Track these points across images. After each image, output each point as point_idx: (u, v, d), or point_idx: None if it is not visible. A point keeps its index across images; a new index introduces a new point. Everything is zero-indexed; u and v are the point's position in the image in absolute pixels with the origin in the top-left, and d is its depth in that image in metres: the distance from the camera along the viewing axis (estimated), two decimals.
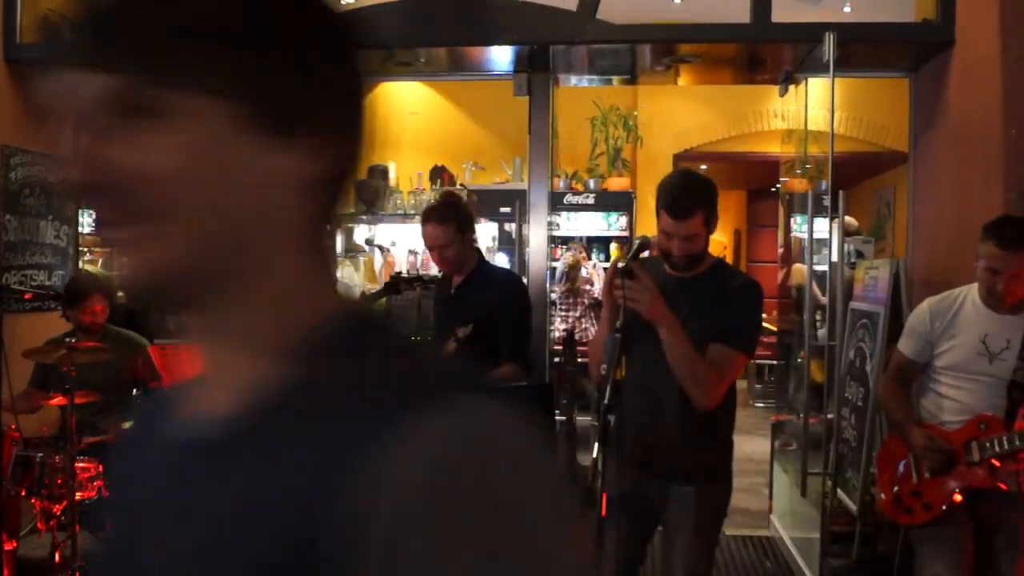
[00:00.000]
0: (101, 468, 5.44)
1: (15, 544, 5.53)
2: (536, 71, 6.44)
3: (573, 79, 7.07)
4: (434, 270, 8.98)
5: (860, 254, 6.69)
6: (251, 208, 0.92)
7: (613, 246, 11.77)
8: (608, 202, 11.74)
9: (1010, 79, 5.01)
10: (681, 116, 12.69)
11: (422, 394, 0.84)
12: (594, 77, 7.10)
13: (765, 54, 6.33)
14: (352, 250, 9.54)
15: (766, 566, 6.29)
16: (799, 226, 7.06)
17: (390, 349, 0.97)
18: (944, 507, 3.98)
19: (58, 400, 5.31)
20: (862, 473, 5.44)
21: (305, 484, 0.82)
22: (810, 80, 6.45)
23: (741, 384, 15.55)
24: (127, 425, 2.90)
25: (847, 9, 9.87)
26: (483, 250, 7.89)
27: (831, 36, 5.45)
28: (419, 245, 9.49)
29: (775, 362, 12.59)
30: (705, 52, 6.25)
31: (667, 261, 3.72)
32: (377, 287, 7.41)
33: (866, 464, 5.40)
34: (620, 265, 3.48)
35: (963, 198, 5.51)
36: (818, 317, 6.34)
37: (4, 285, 5.67)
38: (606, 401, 3.28)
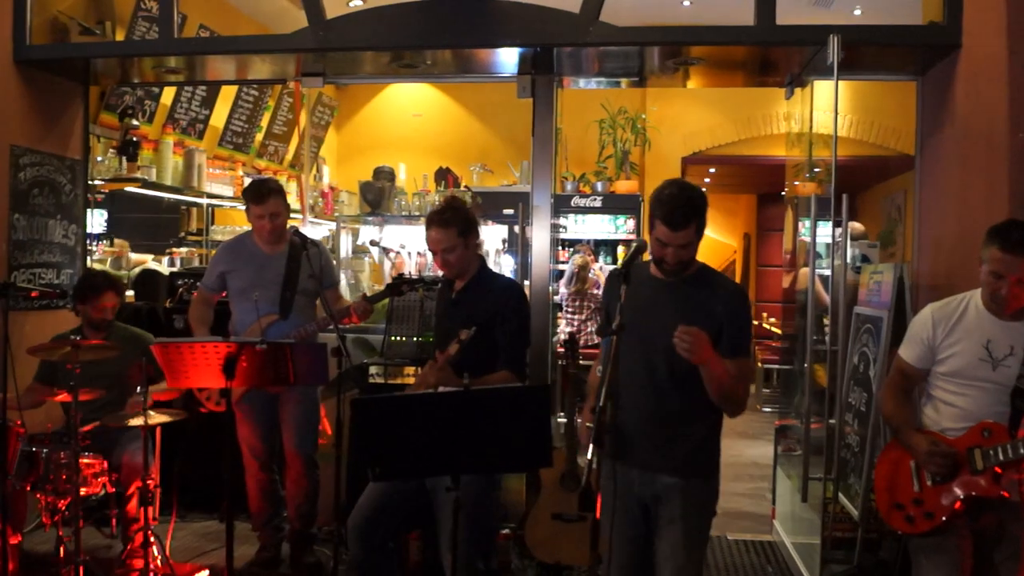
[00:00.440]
0: (106, 464, 5.48)
1: (20, 538, 5.59)
2: (540, 73, 6.45)
3: (580, 81, 7.07)
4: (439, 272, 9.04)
5: (866, 258, 6.67)
6: None
7: (620, 249, 11.80)
8: (616, 205, 11.76)
9: (1017, 83, 4.99)
10: (689, 119, 12.69)
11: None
12: (601, 79, 7.09)
13: (771, 57, 6.32)
14: (359, 251, 9.55)
15: (768, 571, 6.27)
16: (806, 230, 7.04)
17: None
18: (945, 517, 3.95)
19: (62, 397, 5.33)
20: (864, 479, 5.42)
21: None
22: (817, 83, 6.43)
23: (750, 389, 15.52)
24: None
25: (857, 12, 9.88)
26: (490, 253, 7.93)
27: (835, 39, 5.44)
28: (426, 247, 9.50)
29: (782, 366, 12.62)
30: (711, 55, 6.25)
31: (659, 267, 3.83)
32: (380, 288, 7.43)
33: (868, 470, 5.37)
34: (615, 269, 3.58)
35: (968, 202, 5.49)
36: (825, 322, 6.32)
37: (11, 283, 5.69)
38: (600, 403, 3.40)
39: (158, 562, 5.39)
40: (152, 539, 5.38)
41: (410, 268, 9.15)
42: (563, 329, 9.98)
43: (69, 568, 5.13)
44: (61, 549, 5.25)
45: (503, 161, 11.46)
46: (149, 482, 5.41)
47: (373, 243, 9.19)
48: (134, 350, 5.71)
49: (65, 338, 5.50)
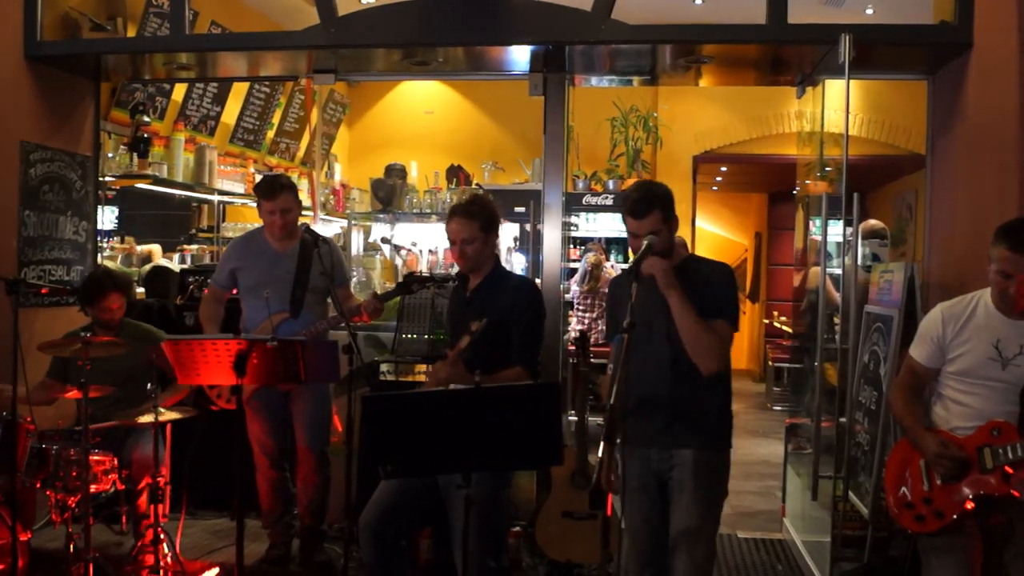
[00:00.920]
0: (116, 461, 5.49)
1: (30, 535, 5.59)
2: (551, 71, 6.45)
3: (592, 79, 7.06)
4: (452, 269, 9.03)
5: (876, 257, 6.66)
6: None
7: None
8: None
9: None
10: (701, 118, 12.67)
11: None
12: (613, 77, 7.08)
13: (782, 55, 6.31)
14: (370, 249, 9.56)
15: (778, 569, 6.27)
16: (816, 229, 7.03)
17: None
18: (955, 516, 3.95)
19: (73, 394, 5.35)
20: (874, 477, 5.41)
21: None
22: (828, 82, 6.43)
23: (759, 388, 15.54)
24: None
25: (869, 11, 9.86)
26: (501, 251, 7.94)
27: (847, 37, 5.43)
28: (438, 244, 9.52)
29: (793, 365, 12.60)
30: (723, 53, 6.24)
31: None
32: (391, 286, 7.43)
33: (879, 468, 5.36)
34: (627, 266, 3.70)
35: (979, 201, 5.48)
36: (835, 321, 6.32)
37: (21, 279, 5.70)
38: (611, 400, 3.52)
39: (168, 559, 5.40)
40: (162, 536, 5.40)
41: (422, 265, 9.16)
42: (574, 327, 9.98)
43: (79, 565, 5.13)
44: (71, 546, 5.26)
45: (515, 159, 11.46)
46: (160, 479, 5.42)
47: (385, 241, 9.20)
48: (145, 347, 5.73)
49: (76, 335, 5.52)
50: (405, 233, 9.62)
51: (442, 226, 9.01)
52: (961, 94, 5.74)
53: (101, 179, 7.50)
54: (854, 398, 5.89)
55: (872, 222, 6.92)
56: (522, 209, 8.37)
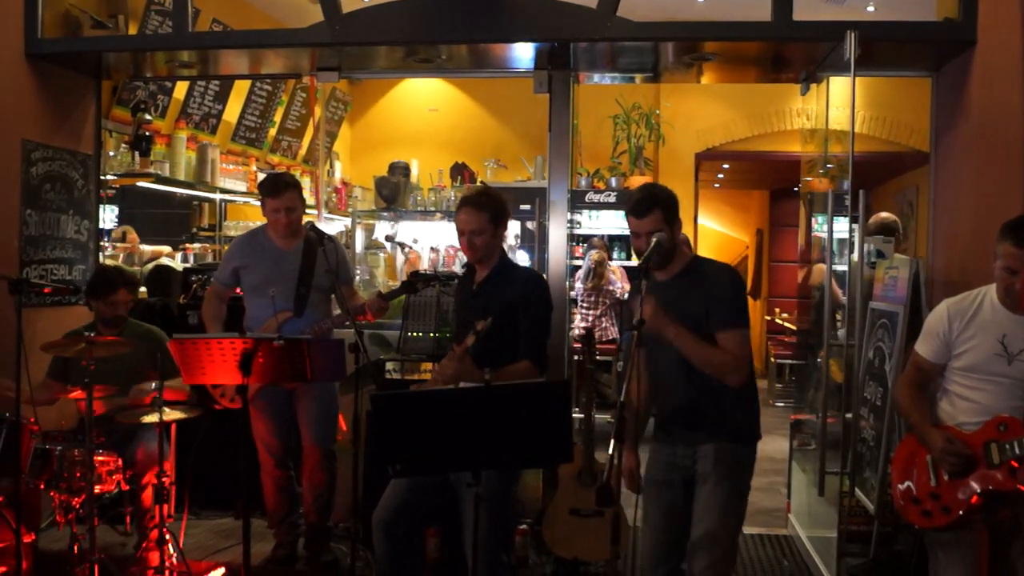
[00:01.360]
0: (120, 461, 5.47)
1: (34, 537, 5.57)
2: (556, 68, 6.43)
3: (595, 77, 7.06)
4: (454, 267, 9.02)
5: (880, 254, 6.65)
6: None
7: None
8: None
9: None
10: (703, 115, 12.65)
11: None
12: (616, 75, 7.09)
13: (786, 53, 6.30)
14: (373, 247, 9.55)
15: (783, 565, 6.27)
16: (819, 226, 7.02)
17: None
18: (962, 511, 3.94)
19: (77, 394, 5.33)
20: (880, 473, 5.41)
21: None
22: (831, 79, 6.42)
23: (761, 384, 15.51)
24: None
25: (871, 8, 9.84)
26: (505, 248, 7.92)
27: (853, 34, 5.43)
28: (440, 242, 9.50)
29: (795, 361, 12.59)
30: (727, 50, 6.23)
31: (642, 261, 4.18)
32: (396, 284, 7.41)
33: (884, 464, 5.37)
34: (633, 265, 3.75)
35: (983, 198, 5.48)
36: (838, 317, 6.31)
37: (24, 279, 5.68)
38: (622, 398, 3.56)
39: (173, 559, 5.38)
40: (167, 536, 5.37)
41: (423, 263, 9.16)
42: (578, 324, 9.97)
43: (84, 566, 5.10)
44: (75, 547, 5.23)
45: (517, 156, 11.44)
46: (164, 479, 5.40)
47: (389, 239, 9.19)
48: (148, 347, 5.72)
49: (79, 334, 5.50)
50: (408, 231, 9.61)
51: (445, 224, 9.02)
52: (965, 91, 5.74)
53: (102, 177, 7.47)
54: (859, 394, 5.88)
55: (883, 215, 6.92)
56: (528, 207, 8.35)
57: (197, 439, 5.69)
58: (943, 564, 4.07)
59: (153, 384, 5.45)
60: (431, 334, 6.29)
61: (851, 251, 5.93)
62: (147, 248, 8.61)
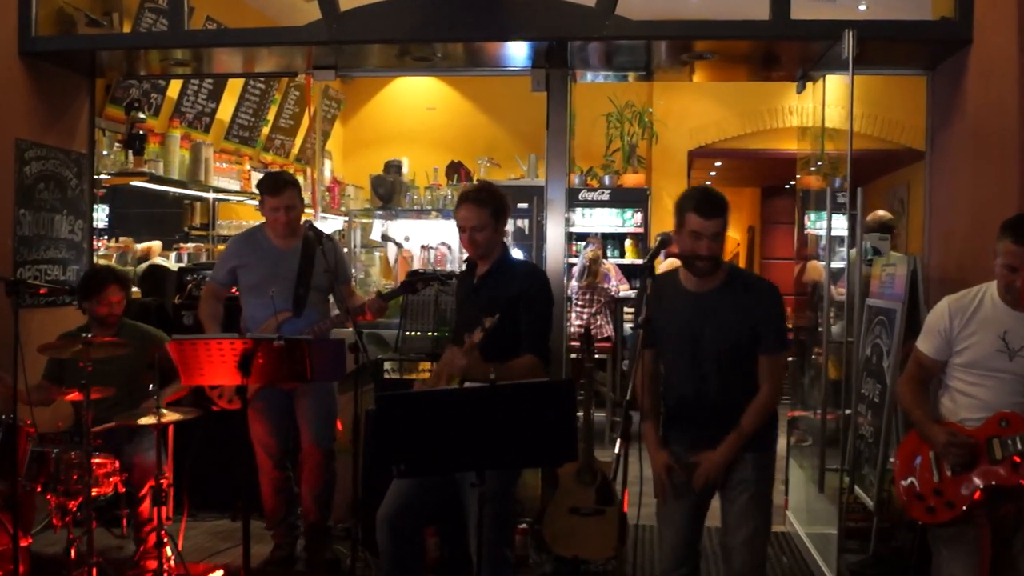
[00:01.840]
0: (117, 464, 5.44)
1: (30, 540, 5.51)
2: (554, 67, 6.43)
3: (590, 75, 7.05)
4: (449, 266, 9.02)
5: (877, 251, 6.67)
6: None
7: (628, 242, 11.79)
8: (623, 198, 11.76)
9: None
10: (696, 113, 12.68)
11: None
12: (610, 73, 7.09)
13: (782, 51, 6.31)
14: (368, 245, 9.54)
15: (783, 561, 6.27)
16: (813, 223, 7.04)
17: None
18: (965, 507, 3.96)
19: (73, 396, 5.29)
20: (879, 469, 5.43)
21: None
22: (827, 77, 6.43)
23: None
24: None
25: (862, 7, 9.85)
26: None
27: (851, 33, 5.44)
28: (433, 240, 9.50)
29: (790, 358, 12.58)
30: (722, 49, 6.24)
31: (690, 267, 4.15)
32: (391, 283, 7.40)
33: (883, 460, 5.39)
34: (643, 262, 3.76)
35: (979, 196, 5.51)
36: (833, 314, 6.33)
37: (21, 280, 5.65)
38: (628, 397, 3.46)
39: (172, 562, 5.35)
40: (165, 539, 5.35)
41: (416, 261, 9.16)
42: (573, 322, 9.96)
43: (81, 570, 5.06)
44: (72, 550, 5.17)
45: (510, 155, 11.45)
46: (162, 481, 5.37)
47: (385, 237, 9.19)
48: (145, 348, 5.68)
49: (73, 336, 5.46)
50: (399, 229, 9.60)
51: (440, 222, 9.01)
52: (961, 90, 5.77)
53: (96, 177, 7.44)
54: (857, 391, 5.89)
55: (880, 213, 6.95)
56: (524, 205, 8.35)
57: (195, 441, 5.67)
58: (946, 559, 4.09)
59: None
60: (429, 333, 6.28)
61: (848, 248, 5.93)
62: (139, 246, 8.59)
